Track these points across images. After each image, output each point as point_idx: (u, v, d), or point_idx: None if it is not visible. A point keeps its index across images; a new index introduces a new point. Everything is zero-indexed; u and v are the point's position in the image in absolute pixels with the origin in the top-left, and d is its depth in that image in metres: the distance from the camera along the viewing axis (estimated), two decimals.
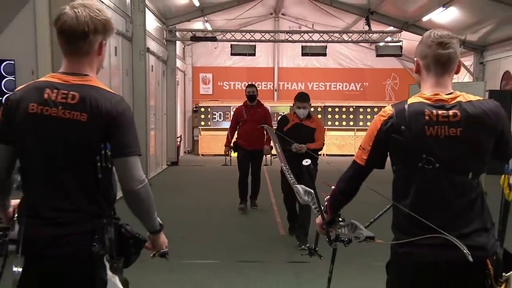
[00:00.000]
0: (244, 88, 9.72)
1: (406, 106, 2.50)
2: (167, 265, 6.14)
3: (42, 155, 2.51)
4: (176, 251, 6.53)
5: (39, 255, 2.48)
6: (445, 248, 2.36)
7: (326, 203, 2.83)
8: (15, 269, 2.45)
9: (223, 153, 9.94)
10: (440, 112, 2.44)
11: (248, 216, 8.61)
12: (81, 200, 2.50)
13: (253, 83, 9.92)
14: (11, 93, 2.66)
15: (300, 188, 3.36)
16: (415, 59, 2.65)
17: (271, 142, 7.99)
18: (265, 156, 9.53)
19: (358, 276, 5.39)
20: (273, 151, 7.24)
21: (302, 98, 7.13)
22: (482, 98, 2.52)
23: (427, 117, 2.44)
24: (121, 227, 2.62)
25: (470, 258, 2.28)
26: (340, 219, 2.80)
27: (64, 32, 2.49)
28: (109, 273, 2.47)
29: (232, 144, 9.49)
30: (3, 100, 2.63)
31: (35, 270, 2.50)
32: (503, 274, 2.42)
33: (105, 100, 2.49)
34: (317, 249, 3.57)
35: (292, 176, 3.75)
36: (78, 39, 2.49)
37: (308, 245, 4.43)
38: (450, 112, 2.44)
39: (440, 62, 2.52)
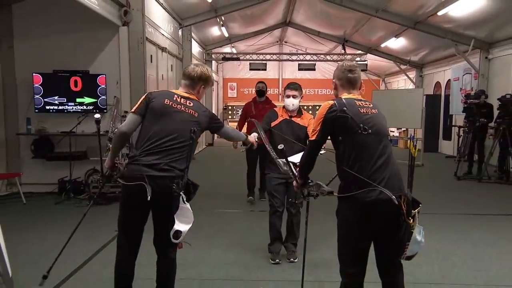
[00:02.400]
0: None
1: (342, 100, 2.61)
2: (207, 212, 6.34)
3: (164, 130, 2.84)
4: (213, 203, 6.77)
5: (142, 185, 2.74)
6: (379, 191, 2.43)
7: (297, 172, 2.82)
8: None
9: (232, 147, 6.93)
10: (362, 101, 2.63)
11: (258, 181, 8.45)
12: (175, 159, 2.81)
13: (263, 81, 7.37)
14: (154, 92, 3.08)
15: (281, 161, 3.21)
16: (333, 80, 2.78)
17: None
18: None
19: (326, 219, 5.51)
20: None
21: (292, 85, 4.48)
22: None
23: (358, 104, 2.59)
24: (187, 178, 2.92)
25: (396, 202, 2.38)
26: (310, 181, 2.75)
27: (184, 74, 3.07)
28: (183, 202, 2.75)
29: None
30: (147, 93, 3.03)
31: (137, 193, 2.77)
32: (412, 211, 2.49)
33: (204, 108, 3.06)
34: (296, 201, 3.62)
35: (274, 153, 3.39)
36: (190, 79, 3.04)
37: (290, 199, 4.19)
38: (367, 102, 2.63)
39: (350, 81, 2.70)
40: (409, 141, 2.49)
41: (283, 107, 4.49)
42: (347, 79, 2.69)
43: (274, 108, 4.91)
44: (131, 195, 2.83)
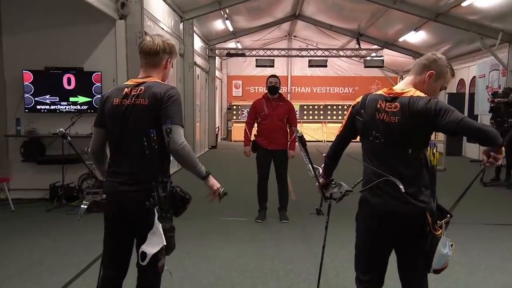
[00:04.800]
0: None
1: (368, 97, 2.58)
2: (211, 219, 6.34)
3: (120, 133, 2.65)
4: (218, 210, 6.73)
5: (116, 201, 2.68)
6: (400, 201, 2.42)
7: (322, 170, 2.86)
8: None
9: (244, 154, 6.37)
10: (387, 103, 2.49)
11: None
12: (140, 168, 2.59)
13: (276, 74, 6.52)
14: (106, 92, 2.82)
15: (310, 166, 3.32)
16: None
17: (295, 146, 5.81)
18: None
19: (346, 226, 5.45)
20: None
21: None
22: (422, 96, 2.44)
23: (378, 106, 2.51)
24: (172, 188, 2.63)
25: (403, 190, 2.36)
26: (333, 183, 2.81)
27: (143, 50, 2.71)
28: (156, 220, 2.50)
29: (251, 143, 6.29)
30: (100, 98, 2.81)
31: (114, 210, 2.71)
32: (438, 222, 2.47)
33: (159, 88, 2.60)
34: (321, 208, 3.64)
35: (306, 159, 3.56)
36: (152, 55, 2.69)
37: (316, 207, 4.25)
38: (393, 105, 2.47)
39: (413, 65, 2.66)
40: (429, 149, 2.37)
41: None
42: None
43: None
44: (107, 213, 2.77)
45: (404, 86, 2.55)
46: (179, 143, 2.53)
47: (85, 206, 2.85)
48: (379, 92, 2.60)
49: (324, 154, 2.86)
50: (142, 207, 2.53)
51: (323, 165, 2.85)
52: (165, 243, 2.50)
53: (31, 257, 4.75)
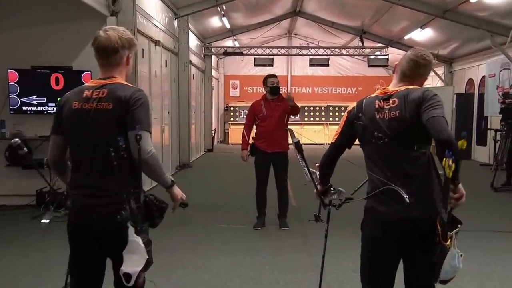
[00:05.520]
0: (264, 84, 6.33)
1: (364, 100, 2.65)
2: (206, 226, 6.33)
3: (81, 141, 2.52)
4: (213, 217, 6.75)
5: (81, 215, 2.53)
6: (407, 208, 2.42)
7: (318, 178, 2.87)
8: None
9: (241, 159, 6.32)
10: (384, 102, 2.55)
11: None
12: (108, 179, 2.47)
13: (275, 74, 6.66)
14: (65, 95, 2.64)
15: (307, 170, 3.36)
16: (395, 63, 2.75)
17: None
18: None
19: (348, 233, 5.44)
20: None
21: None
22: (420, 88, 2.55)
23: (376, 106, 2.56)
24: (145, 197, 2.52)
25: (407, 200, 2.38)
26: (332, 189, 2.83)
27: (99, 49, 2.52)
28: (131, 234, 2.37)
29: (249, 146, 6.24)
30: (59, 101, 2.66)
31: (80, 226, 2.55)
32: (448, 233, 2.44)
33: (125, 90, 2.49)
34: (319, 215, 3.65)
35: (303, 163, 3.58)
36: (111, 53, 2.52)
37: (315, 213, 4.28)
38: (391, 100, 2.54)
39: (401, 68, 2.65)
40: (444, 159, 2.29)
41: None
42: (399, 63, 2.67)
43: None
44: (71, 230, 2.61)
45: (398, 86, 2.61)
46: (148, 151, 2.42)
47: (47, 221, 2.73)
48: (374, 94, 2.66)
49: (317, 164, 2.85)
50: (112, 221, 2.39)
51: (318, 173, 2.87)
52: (147, 257, 2.40)
53: (17, 267, 4.74)
